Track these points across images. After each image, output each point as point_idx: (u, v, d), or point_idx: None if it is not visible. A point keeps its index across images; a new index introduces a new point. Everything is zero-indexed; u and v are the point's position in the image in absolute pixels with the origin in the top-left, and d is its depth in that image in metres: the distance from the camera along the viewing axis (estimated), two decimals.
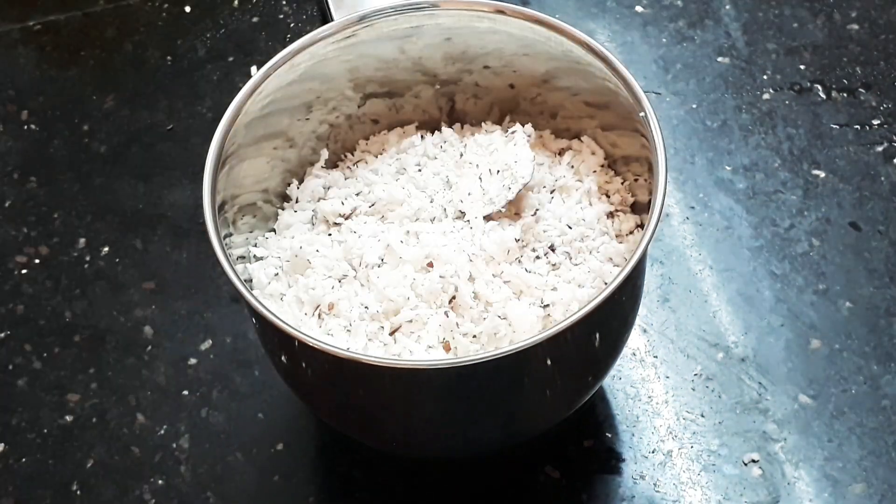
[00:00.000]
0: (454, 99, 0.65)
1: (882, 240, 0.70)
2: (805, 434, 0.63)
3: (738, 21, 0.80)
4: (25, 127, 0.78)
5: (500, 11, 0.61)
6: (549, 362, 0.54)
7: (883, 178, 0.72)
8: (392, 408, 0.57)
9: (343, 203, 0.61)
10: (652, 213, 0.54)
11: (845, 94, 0.76)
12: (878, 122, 0.74)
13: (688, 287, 0.68)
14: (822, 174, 0.72)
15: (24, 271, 0.71)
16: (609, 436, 0.64)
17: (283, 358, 0.57)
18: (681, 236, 0.70)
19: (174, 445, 0.65)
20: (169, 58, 0.81)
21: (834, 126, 0.74)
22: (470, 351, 0.55)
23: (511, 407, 0.56)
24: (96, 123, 0.78)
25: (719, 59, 0.78)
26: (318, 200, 0.62)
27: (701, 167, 0.73)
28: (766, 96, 0.76)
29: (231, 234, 0.59)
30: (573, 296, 0.57)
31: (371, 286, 0.57)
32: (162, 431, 0.65)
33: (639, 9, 0.81)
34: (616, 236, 0.61)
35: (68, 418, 0.66)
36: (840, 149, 0.73)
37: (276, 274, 0.60)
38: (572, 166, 0.63)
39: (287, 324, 0.53)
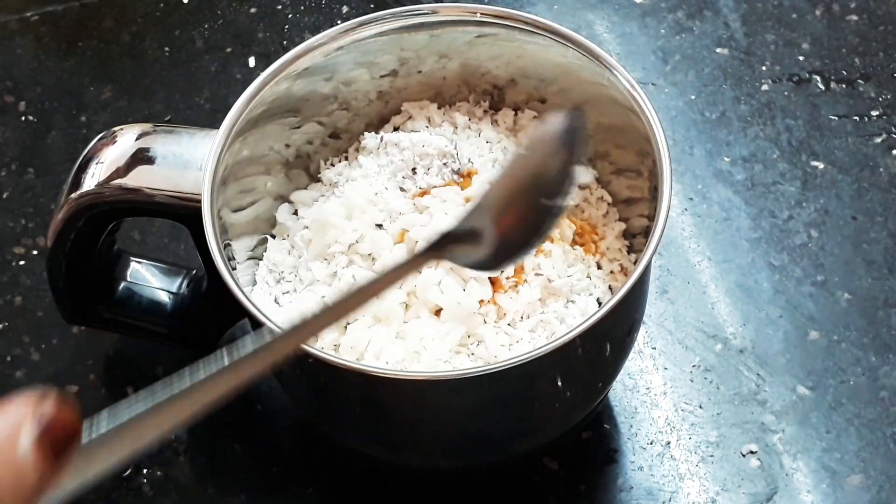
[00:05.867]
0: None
1: (881, 231, 0.70)
2: (803, 425, 0.63)
3: (736, 12, 0.80)
4: (23, 118, 0.78)
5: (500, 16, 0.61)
6: (555, 373, 0.54)
7: (882, 170, 0.72)
8: (396, 419, 0.56)
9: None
10: (655, 228, 0.53)
11: (844, 86, 0.76)
12: (877, 113, 0.74)
13: (686, 278, 0.69)
14: (821, 165, 0.72)
15: (21, 262, 0.71)
16: (607, 427, 0.64)
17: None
18: (679, 228, 0.70)
19: (173, 437, 0.65)
20: (167, 48, 0.81)
21: (833, 117, 0.74)
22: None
23: (520, 417, 0.56)
24: (94, 114, 0.78)
25: (718, 49, 0.78)
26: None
27: (699, 158, 0.73)
28: (764, 87, 0.76)
29: (230, 239, 0.59)
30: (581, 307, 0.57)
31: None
32: None
33: None
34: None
35: None
36: (839, 140, 0.73)
37: (280, 280, 0.60)
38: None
39: (281, 329, 0.52)
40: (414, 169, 0.60)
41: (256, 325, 0.55)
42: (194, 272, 0.64)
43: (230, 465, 0.64)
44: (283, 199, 0.63)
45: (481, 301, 0.56)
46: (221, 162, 0.57)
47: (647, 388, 0.65)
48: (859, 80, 0.76)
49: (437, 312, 0.56)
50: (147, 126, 0.59)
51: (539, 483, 0.62)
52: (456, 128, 0.63)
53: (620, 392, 0.65)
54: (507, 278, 0.56)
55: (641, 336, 0.66)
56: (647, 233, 0.59)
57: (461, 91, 0.64)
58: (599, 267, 0.59)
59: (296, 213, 0.62)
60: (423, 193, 0.59)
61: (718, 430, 0.63)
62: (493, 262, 0.45)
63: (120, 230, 0.63)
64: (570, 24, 0.76)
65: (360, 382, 0.53)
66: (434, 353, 0.54)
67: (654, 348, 0.66)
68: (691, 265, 0.69)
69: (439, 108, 0.64)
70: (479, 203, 0.45)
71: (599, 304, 0.58)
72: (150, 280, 0.64)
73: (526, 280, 0.56)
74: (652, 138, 0.56)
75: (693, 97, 0.76)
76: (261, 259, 0.61)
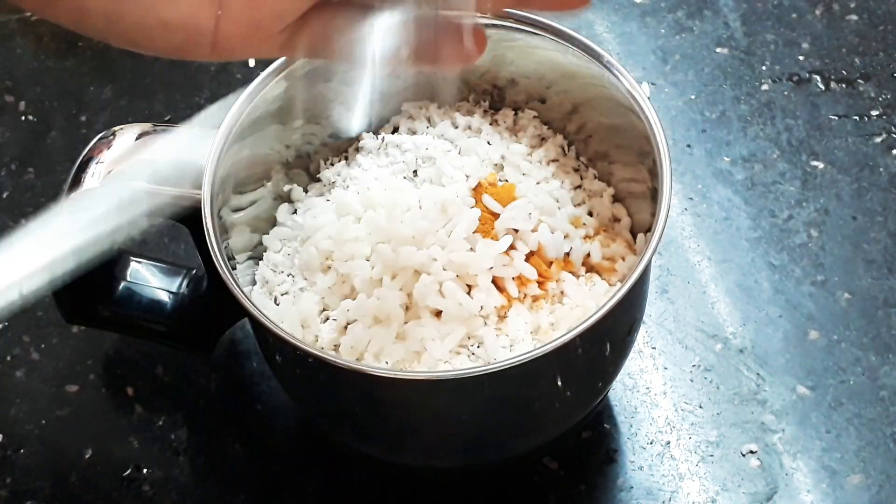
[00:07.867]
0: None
1: (881, 231, 0.70)
2: (803, 425, 0.63)
3: (736, 11, 0.80)
4: (23, 118, 0.78)
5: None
6: (555, 373, 0.54)
7: (882, 169, 0.72)
8: (396, 419, 0.56)
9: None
10: (655, 228, 0.53)
11: (844, 85, 0.76)
12: (877, 112, 0.74)
13: (686, 278, 0.69)
14: (821, 165, 0.72)
15: None
16: (607, 427, 0.64)
17: (277, 358, 0.57)
18: (679, 227, 0.70)
19: (172, 437, 0.65)
20: None
21: (833, 117, 0.74)
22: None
23: (520, 417, 0.56)
24: (94, 114, 0.78)
25: (718, 49, 0.78)
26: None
27: (699, 158, 0.73)
28: (764, 87, 0.76)
29: (229, 233, 0.59)
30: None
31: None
32: (160, 423, 0.65)
33: None
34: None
35: (67, 409, 0.66)
36: (839, 140, 0.73)
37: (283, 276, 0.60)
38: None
39: (281, 329, 0.52)
40: (415, 171, 0.60)
41: (256, 324, 0.55)
42: (194, 272, 0.64)
43: (230, 465, 0.64)
44: (283, 199, 0.63)
45: (496, 307, 0.55)
46: (221, 162, 0.57)
47: (647, 388, 0.65)
48: (859, 80, 0.76)
49: (438, 314, 0.56)
50: (147, 126, 0.59)
51: (539, 483, 0.62)
52: (456, 128, 0.63)
53: (620, 392, 0.65)
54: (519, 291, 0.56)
55: (641, 336, 0.66)
56: (647, 232, 0.59)
57: (461, 91, 0.64)
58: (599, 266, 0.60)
59: (296, 213, 0.62)
60: None
61: (718, 430, 0.63)
62: None
63: None
64: (570, 24, 0.75)
65: (360, 382, 0.53)
66: (434, 353, 0.54)
67: (654, 348, 0.66)
68: (691, 265, 0.69)
69: (439, 108, 0.64)
70: None
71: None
72: (149, 280, 0.64)
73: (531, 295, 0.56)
74: (652, 138, 0.56)
75: (693, 97, 0.76)
76: (261, 259, 0.61)
